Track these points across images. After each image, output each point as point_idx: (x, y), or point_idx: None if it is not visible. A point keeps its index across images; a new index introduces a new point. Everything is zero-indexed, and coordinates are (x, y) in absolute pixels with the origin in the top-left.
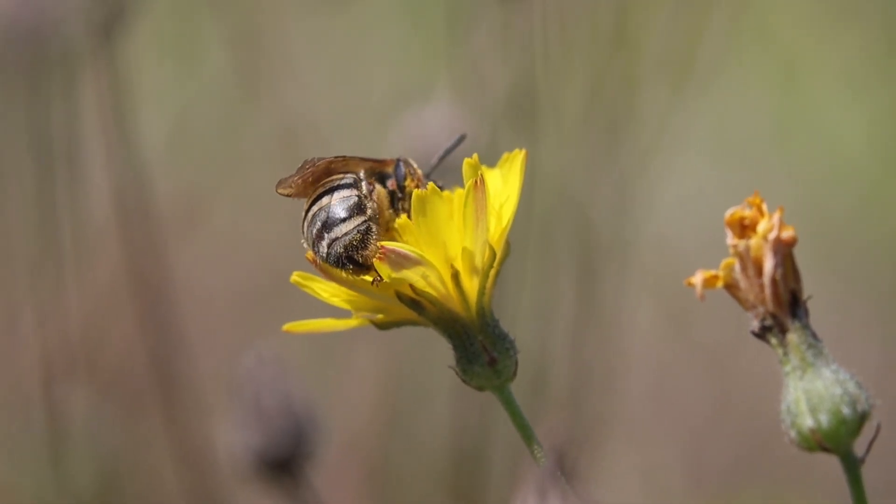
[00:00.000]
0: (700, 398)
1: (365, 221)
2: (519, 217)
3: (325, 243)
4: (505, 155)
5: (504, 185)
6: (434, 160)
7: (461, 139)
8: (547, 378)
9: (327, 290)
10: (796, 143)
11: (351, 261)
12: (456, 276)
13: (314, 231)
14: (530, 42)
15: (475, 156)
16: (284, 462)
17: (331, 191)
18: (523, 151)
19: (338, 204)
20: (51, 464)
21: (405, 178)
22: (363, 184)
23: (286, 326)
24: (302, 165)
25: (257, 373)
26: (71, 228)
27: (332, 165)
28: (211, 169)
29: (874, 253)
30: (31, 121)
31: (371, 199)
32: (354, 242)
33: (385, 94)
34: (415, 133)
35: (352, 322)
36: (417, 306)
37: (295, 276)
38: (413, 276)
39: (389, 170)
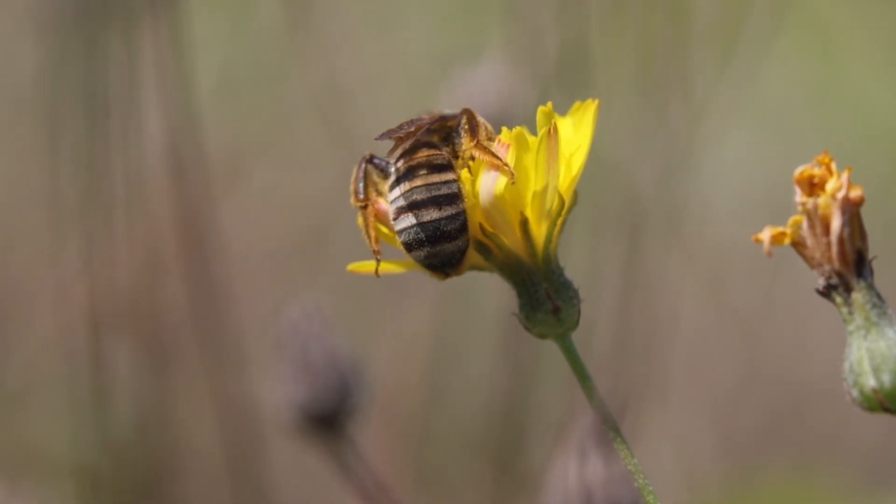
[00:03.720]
0: (731, 365)
1: (466, 241)
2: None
3: (423, 252)
4: (577, 104)
5: (575, 133)
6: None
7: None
8: (587, 341)
9: (390, 235)
10: (831, 114)
11: (440, 270)
12: (525, 223)
13: (412, 222)
14: (582, 5)
15: (549, 104)
16: (329, 417)
17: (431, 176)
18: (596, 101)
19: (447, 215)
20: (93, 415)
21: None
22: (459, 183)
23: (351, 266)
24: (399, 126)
25: (303, 326)
26: (122, 177)
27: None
28: (254, 123)
29: None
30: (89, 69)
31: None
32: (453, 262)
33: (433, 54)
34: (464, 93)
35: (409, 264)
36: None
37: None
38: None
39: (454, 123)
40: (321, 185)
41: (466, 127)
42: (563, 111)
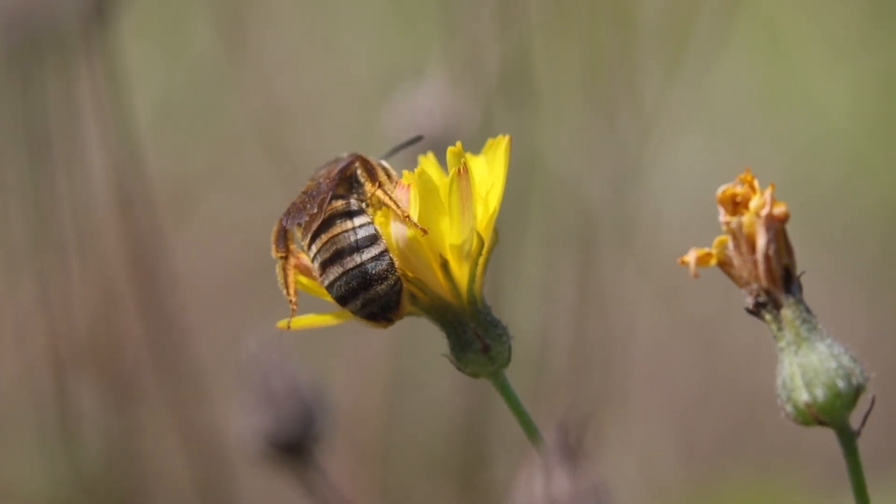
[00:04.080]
0: (690, 373)
1: (399, 281)
2: (517, 195)
3: (359, 301)
4: (489, 141)
5: (490, 171)
6: (385, 153)
7: (416, 139)
8: (545, 357)
9: (316, 287)
10: (783, 115)
11: (381, 316)
12: (445, 265)
13: (339, 271)
14: (524, 17)
15: (458, 144)
16: (296, 445)
17: (346, 223)
18: (507, 137)
19: (371, 256)
20: (61, 450)
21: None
22: (376, 225)
23: (280, 323)
24: (303, 204)
25: (264, 357)
26: (70, 213)
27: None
28: (196, 152)
29: (860, 223)
30: (26, 105)
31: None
32: (391, 304)
33: (374, 74)
34: (406, 113)
35: (346, 315)
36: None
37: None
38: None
39: (351, 171)
40: (267, 210)
41: (363, 173)
42: (507, 127)
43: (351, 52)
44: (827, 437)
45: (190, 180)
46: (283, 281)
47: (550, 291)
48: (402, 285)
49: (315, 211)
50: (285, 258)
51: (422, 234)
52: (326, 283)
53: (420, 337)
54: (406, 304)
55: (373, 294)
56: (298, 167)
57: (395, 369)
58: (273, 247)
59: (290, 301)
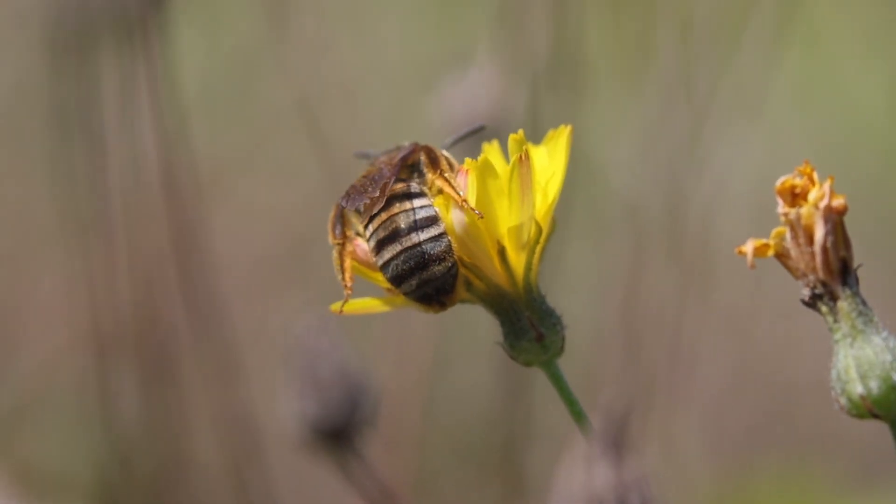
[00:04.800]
0: (721, 365)
1: (455, 263)
2: (565, 183)
3: (414, 282)
4: (550, 132)
5: (550, 161)
6: (448, 142)
7: (479, 129)
8: (586, 348)
9: (370, 271)
10: (818, 110)
11: (435, 299)
12: (502, 252)
13: (396, 250)
14: (575, 2)
15: (520, 132)
16: (339, 432)
17: (406, 203)
18: (568, 127)
19: (430, 236)
20: (95, 431)
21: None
22: (436, 208)
23: (334, 307)
24: (364, 188)
25: (311, 342)
26: (116, 194)
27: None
28: (235, 135)
29: (894, 217)
30: (78, 86)
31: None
32: (447, 287)
33: (415, 61)
34: (454, 100)
35: (398, 301)
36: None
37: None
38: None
39: (415, 160)
40: (305, 194)
41: (426, 161)
42: (554, 116)
43: (390, 37)
44: (859, 431)
45: (227, 164)
46: (338, 266)
47: (595, 281)
48: (458, 269)
49: (377, 195)
50: (342, 244)
51: (478, 219)
52: (382, 261)
53: (459, 326)
54: (461, 289)
55: (429, 275)
56: (335, 152)
57: (432, 358)
58: (330, 233)
59: (346, 287)
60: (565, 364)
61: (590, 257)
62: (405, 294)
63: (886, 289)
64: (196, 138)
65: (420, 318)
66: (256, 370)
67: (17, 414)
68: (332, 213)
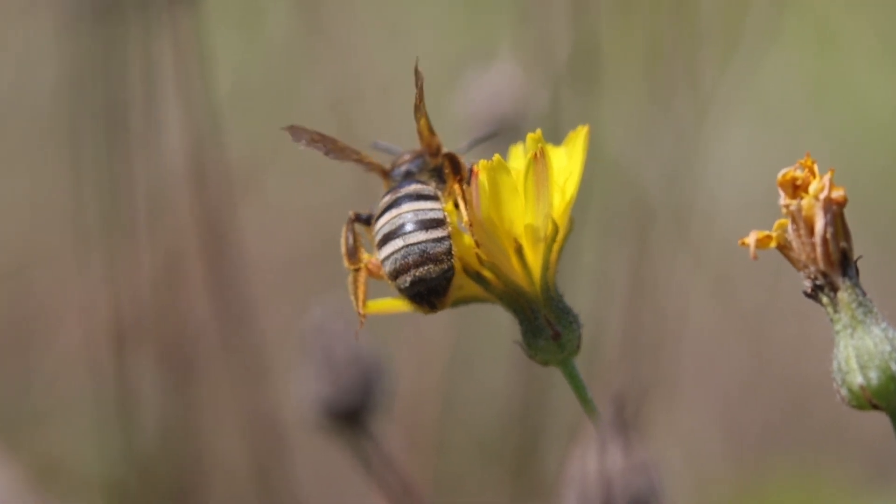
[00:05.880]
0: (738, 363)
1: (452, 268)
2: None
3: (409, 278)
4: (570, 133)
5: (568, 161)
6: (464, 146)
7: (493, 134)
8: (598, 343)
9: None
10: (830, 108)
11: (426, 300)
12: (520, 250)
13: (399, 245)
14: (593, 5)
15: (538, 131)
16: (353, 413)
17: (417, 203)
18: (586, 127)
19: (433, 238)
20: (118, 428)
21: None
22: (445, 212)
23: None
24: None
25: (326, 325)
26: (144, 189)
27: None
28: (266, 132)
29: None
30: (108, 79)
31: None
32: (439, 289)
33: (444, 59)
34: (476, 96)
35: (400, 302)
36: (483, 281)
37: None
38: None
39: (437, 163)
40: (337, 193)
41: (448, 169)
42: (573, 113)
43: (420, 36)
44: (874, 430)
45: (259, 162)
46: (353, 292)
47: (605, 278)
48: (454, 274)
49: (407, 157)
50: (357, 270)
51: (498, 210)
52: (383, 255)
53: (477, 325)
54: (452, 294)
55: (424, 273)
56: (365, 151)
57: (451, 357)
58: (344, 257)
59: (360, 315)
60: (582, 362)
61: (608, 256)
62: (399, 289)
63: None
64: (228, 137)
65: (439, 318)
66: (285, 371)
67: (42, 413)
68: (344, 230)
